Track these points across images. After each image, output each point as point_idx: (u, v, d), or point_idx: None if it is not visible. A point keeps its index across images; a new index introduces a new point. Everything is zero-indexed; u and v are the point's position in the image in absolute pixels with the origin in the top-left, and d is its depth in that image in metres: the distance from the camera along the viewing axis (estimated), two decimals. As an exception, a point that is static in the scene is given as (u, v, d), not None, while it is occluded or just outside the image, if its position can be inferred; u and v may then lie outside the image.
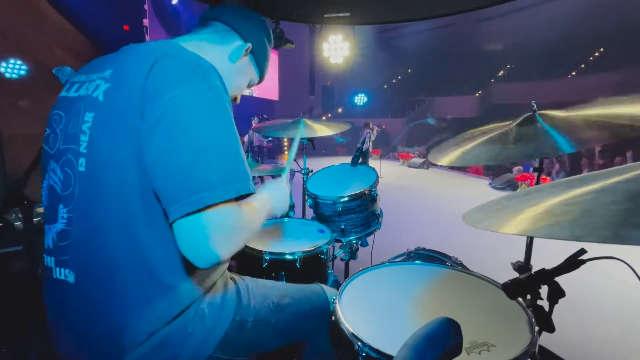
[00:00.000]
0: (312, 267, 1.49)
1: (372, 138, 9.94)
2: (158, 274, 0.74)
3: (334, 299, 0.99)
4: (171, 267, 0.76)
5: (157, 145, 0.68)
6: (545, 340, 1.76)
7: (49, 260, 0.79)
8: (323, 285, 1.15)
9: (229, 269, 1.02)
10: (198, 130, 0.68)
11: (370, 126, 9.89)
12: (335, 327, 0.93)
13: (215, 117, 0.71)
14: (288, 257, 1.41)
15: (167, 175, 0.68)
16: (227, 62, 0.95)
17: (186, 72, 0.72)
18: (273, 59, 13.23)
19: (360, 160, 2.10)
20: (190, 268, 0.78)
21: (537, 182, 1.28)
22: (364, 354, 0.81)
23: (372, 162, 2.23)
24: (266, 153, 13.62)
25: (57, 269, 0.77)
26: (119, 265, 0.72)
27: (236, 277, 1.00)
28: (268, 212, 0.91)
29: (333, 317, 0.95)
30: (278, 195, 1.00)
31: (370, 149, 10.19)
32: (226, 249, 0.69)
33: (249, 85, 1.07)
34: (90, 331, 0.75)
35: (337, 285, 1.59)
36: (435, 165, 11.87)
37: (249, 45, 0.96)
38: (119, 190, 0.71)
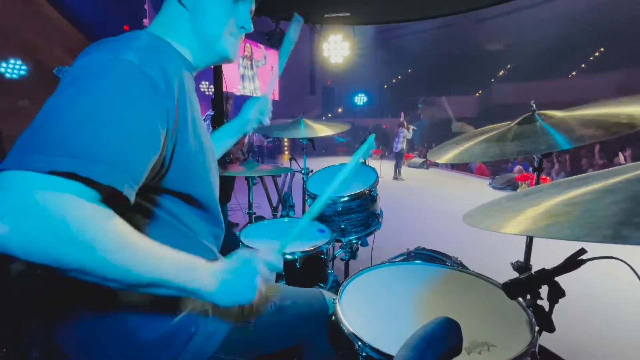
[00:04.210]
0: (312, 267, 1.49)
1: (408, 137, 9.32)
2: None
3: (334, 299, 0.99)
4: None
5: None
6: (545, 340, 1.76)
7: None
8: (322, 290, 1.15)
9: None
10: (69, 92, 0.59)
11: (406, 125, 9.20)
12: (335, 327, 0.93)
13: (98, 85, 0.59)
14: (288, 257, 1.41)
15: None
16: (187, 14, 0.79)
17: (98, 44, 0.68)
18: (273, 59, 13.18)
19: (361, 160, 2.09)
20: None
21: (537, 182, 1.28)
22: (364, 354, 0.81)
23: (372, 162, 2.23)
24: (266, 153, 13.61)
25: None
26: None
27: None
28: (163, 274, 0.59)
29: (333, 317, 0.95)
30: (223, 275, 0.68)
31: (405, 150, 9.47)
32: (19, 236, 0.48)
33: None
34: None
35: (337, 285, 1.58)
36: (436, 165, 11.86)
37: None
38: None
